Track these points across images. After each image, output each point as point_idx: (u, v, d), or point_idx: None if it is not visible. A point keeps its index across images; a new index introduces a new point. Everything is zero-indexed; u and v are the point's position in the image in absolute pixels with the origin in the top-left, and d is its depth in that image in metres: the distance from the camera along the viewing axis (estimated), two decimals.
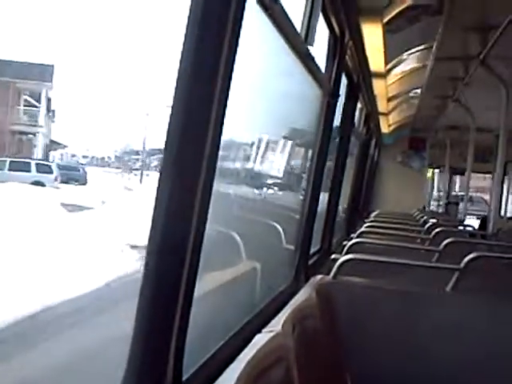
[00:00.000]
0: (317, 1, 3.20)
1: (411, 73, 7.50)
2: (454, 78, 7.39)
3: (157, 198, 1.56)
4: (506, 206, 14.63)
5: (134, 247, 15.29)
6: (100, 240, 15.53)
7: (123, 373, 1.58)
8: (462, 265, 3.95)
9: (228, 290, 2.67)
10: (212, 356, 2.01)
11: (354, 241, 5.02)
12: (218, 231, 2.39)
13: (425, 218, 8.60)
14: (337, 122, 4.99)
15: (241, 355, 1.99)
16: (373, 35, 4.30)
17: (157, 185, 1.56)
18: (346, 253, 4.48)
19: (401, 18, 4.83)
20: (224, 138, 1.74)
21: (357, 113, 6.70)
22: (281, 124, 3.52)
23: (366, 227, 6.55)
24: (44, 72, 43.06)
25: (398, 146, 13.36)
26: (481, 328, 3.70)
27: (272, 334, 2.23)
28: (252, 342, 2.13)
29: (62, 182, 36.71)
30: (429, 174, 15.81)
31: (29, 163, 35.13)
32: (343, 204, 7.63)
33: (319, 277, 3.77)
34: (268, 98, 2.96)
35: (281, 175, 4.03)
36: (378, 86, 6.25)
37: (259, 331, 2.29)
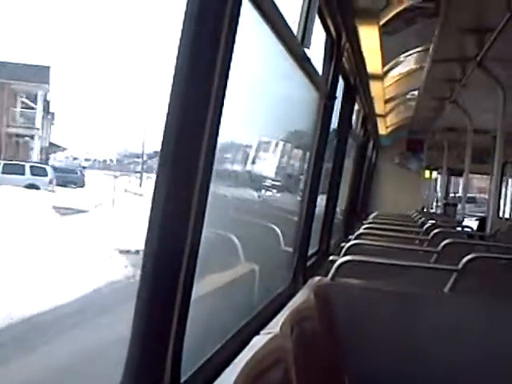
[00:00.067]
0: (313, 3, 3.21)
1: (408, 75, 7.51)
2: (451, 80, 7.40)
3: (153, 201, 1.56)
4: (505, 207, 14.64)
5: (124, 252, 15.08)
6: (88, 245, 15.24)
7: (121, 375, 1.58)
8: (460, 266, 3.96)
9: (226, 292, 2.67)
10: (210, 358, 2.02)
11: (352, 242, 5.02)
12: (216, 233, 2.39)
13: (423, 219, 8.61)
14: (334, 124, 5.00)
15: (239, 357, 1.99)
16: (369, 37, 4.31)
17: (153, 187, 1.57)
18: (344, 254, 4.48)
19: (397, 20, 4.84)
20: (222, 140, 1.75)
21: (354, 115, 6.71)
22: (278, 126, 3.53)
23: (364, 229, 6.55)
24: (40, 73, 42.85)
25: (395, 148, 13.37)
26: (479, 329, 3.71)
27: (270, 336, 2.23)
28: (250, 344, 2.13)
29: (59, 184, 36.48)
30: (432, 176, 15.81)
31: (23, 166, 34.69)
32: (341, 206, 7.63)
33: (317, 278, 3.78)
34: (265, 101, 2.96)
35: (279, 177, 4.04)
36: (375, 87, 6.26)
37: (257, 333, 2.29)
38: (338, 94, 4.15)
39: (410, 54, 6.77)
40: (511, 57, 5.76)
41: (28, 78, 42.11)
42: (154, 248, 1.57)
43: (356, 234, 6.00)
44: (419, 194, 14.14)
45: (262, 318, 2.61)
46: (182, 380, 1.70)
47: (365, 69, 5.17)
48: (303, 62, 3.08)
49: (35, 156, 42.83)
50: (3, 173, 32.64)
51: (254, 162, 3.14)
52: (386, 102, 8.07)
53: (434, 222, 7.98)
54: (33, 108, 44.88)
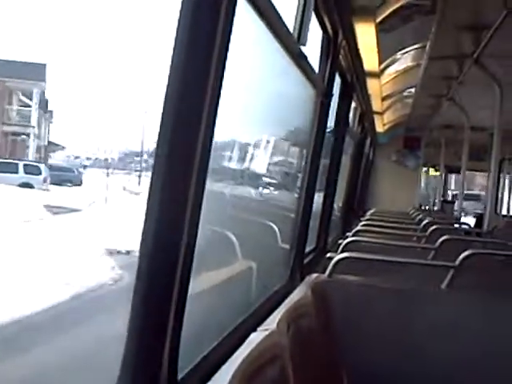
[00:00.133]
0: (309, 0, 3.21)
1: (405, 72, 7.52)
2: (448, 77, 7.41)
3: (149, 198, 1.57)
4: (502, 203, 14.65)
5: (114, 253, 14.48)
6: (75, 245, 14.78)
7: (118, 372, 1.59)
8: (458, 262, 3.96)
9: (223, 290, 2.68)
10: (207, 355, 2.02)
11: (349, 239, 5.03)
12: (212, 231, 2.40)
13: (420, 216, 8.62)
14: (331, 121, 5.01)
15: (236, 354, 2.00)
16: (366, 35, 4.31)
17: (149, 185, 1.57)
18: (342, 251, 4.49)
19: (394, 17, 4.84)
20: (218, 137, 1.75)
21: (351, 112, 6.72)
22: (275, 124, 3.53)
23: (362, 226, 6.56)
24: (36, 71, 42.55)
25: (392, 145, 13.38)
26: (476, 325, 3.72)
27: (267, 333, 2.23)
28: (247, 341, 2.13)
29: (56, 183, 36.32)
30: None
31: (16, 164, 34.33)
32: (338, 203, 7.64)
33: (314, 275, 3.78)
34: (261, 99, 2.97)
35: (276, 175, 4.04)
36: (372, 85, 6.26)
37: (254, 330, 2.30)
38: (334, 92, 4.15)
39: (407, 52, 6.77)
40: (508, 54, 5.77)
41: (24, 76, 41.74)
42: (150, 245, 1.57)
43: (353, 231, 6.01)
44: (417, 191, 14.14)
45: (259, 315, 2.62)
46: (179, 377, 1.71)
47: (361, 66, 5.17)
48: (299, 60, 3.08)
49: (31, 154, 42.51)
50: None
51: (250, 160, 3.15)
52: (383, 99, 8.07)
53: (431, 218, 7.99)
54: (29, 106, 44.57)
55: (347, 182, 8.37)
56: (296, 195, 3.99)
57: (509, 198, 15.38)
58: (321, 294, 3.50)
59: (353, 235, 5.65)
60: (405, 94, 9.12)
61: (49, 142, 52.88)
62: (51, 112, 54.69)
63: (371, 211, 9.60)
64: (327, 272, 3.88)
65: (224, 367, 1.90)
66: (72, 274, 11.81)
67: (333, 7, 3.56)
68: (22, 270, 11.66)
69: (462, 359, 3.65)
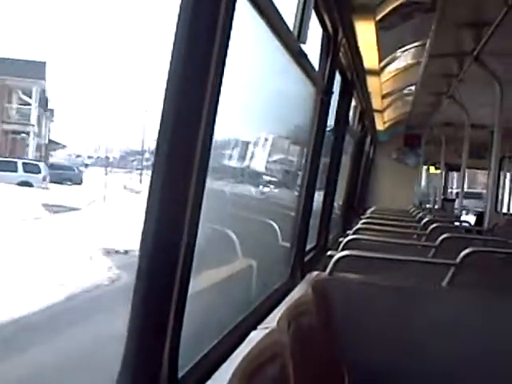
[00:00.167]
0: None
1: (405, 70, 7.51)
2: (448, 75, 7.40)
3: (149, 198, 1.57)
4: (502, 201, 14.65)
5: (112, 252, 14.24)
6: (74, 245, 14.50)
7: (118, 370, 1.59)
8: (458, 260, 3.96)
9: (224, 288, 2.68)
10: (207, 353, 2.02)
11: (349, 237, 5.03)
12: (213, 229, 2.40)
13: (421, 214, 8.62)
14: (331, 119, 5.00)
15: (236, 352, 2.00)
16: (366, 32, 4.31)
17: (149, 184, 1.57)
18: (342, 249, 4.49)
19: (394, 15, 4.84)
20: (218, 135, 1.75)
21: (351, 110, 6.71)
22: (275, 122, 3.53)
23: (362, 224, 6.56)
24: (35, 69, 42.26)
25: (393, 143, 13.37)
26: (476, 323, 3.72)
27: (267, 331, 2.23)
28: (247, 339, 2.13)
29: (56, 182, 36.21)
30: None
31: (15, 163, 33.97)
32: (339, 201, 7.64)
33: (315, 273, 3.78)
34: (262, 97, 2.97)
35: (276, 173, 4.04)
36: (372, 83, 6.25)
37: (255, 328, 2.30)
38: (334, 90, 4.15)
39: (407, 49, 6.77)
40: (508, 51, 5.76)
41: (23, 74, 41.46)
42: (151, 243, 1.57)
43: (354, 229, 6.01)
44: (417, 189, 14.14)
45: (259, 313, 2.62)
46: (180, 375, 1.71)
47: (361, 64, 5.17)
48: (300, 58, 3.08)
49: (30, 153, 42.30)
50: None
51: (251, 158, 3.15)
52: (383, 97, 8.07)
53: (431, 216, 7.99)
54: (29, 104, 44.36)
55: (347, 180, 8.37)
56: (296, 193, 3.99)
57: (509, 196, 15.36)
58: (321, 292, 3.50)
59: (353, 233, 5.65)
60: (405, 91, 9.12)
61: (49, 141, 52.83)
62: (52, 110, 54.62)
63: (371, 209, 9.61)
64: (328, 270, 3.88)
65: (224, 365, 1.90)
66: (68, 274, 11.59)
67: (333, 5, 3.56)
68: (16, 270, 11.44)
69: (463, 357, 3.65)
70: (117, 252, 14.45)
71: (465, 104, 8.59)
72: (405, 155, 13.66)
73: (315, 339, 2.94)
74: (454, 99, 8.42)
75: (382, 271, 4.19)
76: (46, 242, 14.46)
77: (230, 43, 1.68)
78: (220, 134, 1.79)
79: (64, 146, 60.35)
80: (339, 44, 3.97)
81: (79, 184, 39.39)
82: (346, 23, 3.92)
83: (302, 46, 3.11)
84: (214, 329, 2.27)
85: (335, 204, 6.09)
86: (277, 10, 2.37)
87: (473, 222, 11.67)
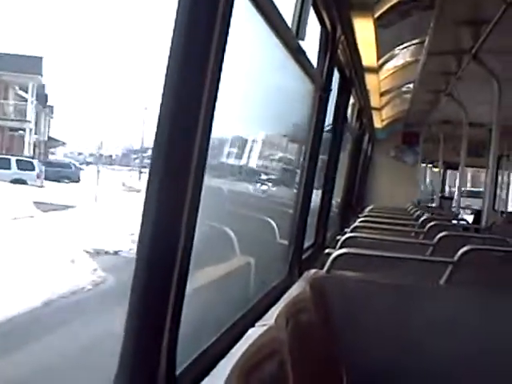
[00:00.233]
0: None
1: (403, 67, 7.51)
2: (447, 73, 7.40)
3: (147, 193, 1.56)
4: (500, 199, 14.66)
5: (101, 253, 13.76)
6: (61, 245, 13.82)
7: (116, 368, 1.58)
8: (456, 258, 3.96)
9: (222, 285, 2.67)
10: (205, 350, 2.02)
11: (347, 235, 5.03)
12: (211, 226, 2.39)
13: (418, 212, 8.62)
14: (330, 117, 5.00)
15: (234, 349, 2.00)
16: (364, 30, 4.30)
17: (147, 181, 1.57)
18: (340, 247, 4.49)
19: (392, 12, 4.84)
20: (216, 133, 1.75)
21: (350, 108, 6.71)
22: (273, 119, 3.52)
23: (360, 222, 6.57)
24: (32, 64, 41.78)
25: (391, 141, 13.37)
26: (474, 321, 3.72)
27: (265, 328, 2.23)
28: (245, 336, 2.13)
29: (54, 179, 36.04)
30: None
31: (8, 160, 33.45)
32: (337, 199, 7.64)
33: (313, 271, 3.78)
34: (260, 94, 2.96)
35: (274, 170, 4.03)
36: (370, 80, 6.25)
37: (253, 325, 2.30)
38: (333, 87, 4.15)
39: (406, 47, 6.77)
40: (506, 49, 5.76)
41: (19, 69, 40.94)
42: (148, 240, 1.57)
43: (352, 227, 6.01)
44: (418, 187, 14.14)
45: (257, 310, 2.62)
46: (178, 372, 1.70)
47: (360, 61, 5.16)
48: (298, 55, 3.08)
49: (26, 150, 41.98)
50: None
51: (248, 155, 3.14)
52: (382, 94, 8.06)
53: (429, 215, 7.99)
54: (26, 100, 43.96)
55: (345, 177, 8.37)
56: (294, 191, 3.99)
57: (507, 194, 15.38)
58: (319, 289, 3.50)
59: (351, 231, 5.65)
60: (403, 89, 9.12)
61: (49, 138, 52.72)
62: (51, 107, 54.42)
63: (369, 207, 9.61)
64: (325, 268, 3.88)
65: (222, 362, 1.89)
66: (46, 278, 10.86)
67: (331, 2, 3.55)
68: None
69: (460, 355, 3.65)
70: (106, 253, 14.03)
71: (463, 102, 8.59)
72: (403, 153, 13.66)
73: (313, 336, 2.94)
74: (452, 97, 8.42)
75: (380, 269, 4.19)
76: (29, 243, 13.86)
77: (228, 40, 1.68)
78: (218, 131, 1.79)
79: (64, 144, 60.34)
80: (338, 41, 3.97)
81: (77, 182, 39.33)
82: (344, 20, 3.92)
83: (301, 42, 3.11)
84: (212, 326, 2.27)
85: (333, 202, 6.09)
86: (275, 7, 2.36)
87: (467, 219, 11.66)
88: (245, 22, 2.10)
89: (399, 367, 3.67)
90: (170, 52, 1.55)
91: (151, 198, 1.57)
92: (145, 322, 1.60)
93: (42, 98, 47.64)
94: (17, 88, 44.10)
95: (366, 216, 7.65)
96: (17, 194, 24.20)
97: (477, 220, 11.50)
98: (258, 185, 3.75)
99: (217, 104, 1.69)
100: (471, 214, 15.52)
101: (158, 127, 1.56)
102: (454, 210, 11.23)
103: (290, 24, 2.96)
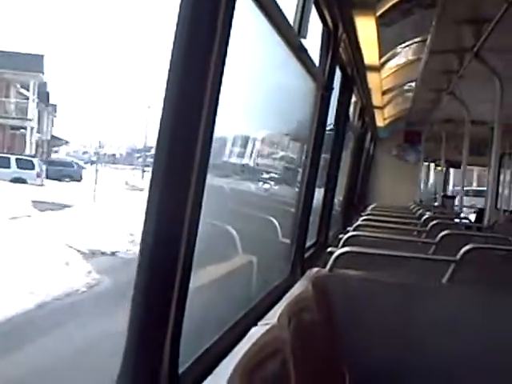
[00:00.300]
0: None
1: (405, 66, 7.51)
2: (449, 71, 7.40)
3: (150, 193, 1.56)
4: (502, 198, 14.65)
5: (97, 254, 13.46)
6: (56, 246, 13.49)
7: (119, 366, 1.58)
8: (458, 257, 3.96)
9: (224, 284, 2.67)
10: (208, 349, 2.02)
11: (350, 234, 5.03)
12: (213, 225, 2.39)
13: (421, 210, 8.61)
14: (332, 115, 5.00)
15: (236, 348, 1.99)
16: (366, 28, 4.30)
17: (150, 180, 1.57)
18: (342, 246, 4.49)
19: (394, 11, 4.83)
20: (218, 132, 1.74)
21: (352, 107, 6.70)
22: (275, 118, 3.52)
23: (362, 220, 6.56)
24: (33, 62, 41.56)
25: (393, 140, 13.37)
26: (476, 320, 3.72)
27: (268, 327, 2.23)
28: (248, 335, 2.13)
29: (56, 178, 35.94)
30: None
31: (8, 158, 33.21)
32: (339, 197, 7.63)
33: (315, 270, 3.78)
34: (262, 93, 2.96)
35: (276, 169, 4.03)
36: (372, 79, 6.25)
37: (255, 324, 2.30)
38: (335, 86, 4.14)
39: (407, 46, 6.76)
40: (508, 47, 5.76)
41: (21, 67, 40.72)
42: (151, 239, 1.56)
43: (354, 225, 6.01)
44: (420, 186, 14.14)
45: (259, 309, 2.61)
46: (180, 371, 1.70)
47: (362, 60, 5.16)
48: (300, 53, 3.07)
49: (27, 148, 41.77)
50: None
51: (251, 154, 3.14)
52: (384, 93, 8.06)
53: (431, 213, 7.99)
54: (28, 98, 43.76)
55: (348, 176, 8.36)
56: (296, 189, 3.98)
57: (509, 193, 15.36)
58: (322, 288, 3.49)
59: (353, 230, 5.65)
60: (405, 88, 9.11)
61: (52, 137, 52.67)
62: (54, 106, 54.32)
63: (372, 206, 9.61)
64: (328, 266, 3.88)
65: (225, 361, 1.89)
66: (40, 280, 10.58)
67: (333, 0, 3.55)
68: None
69: (463, 353, 3.65)
70: (103, 253, 13.77)
71: (465, 100, 8.58)
72: (405, 152, 13.65)
73: (315, 335, 2.94)
74: (454, 95, 8.42)
75: (382, 268, 4.19)
76: (24, 243, 13.54)
77: (231, 38, 1.68)
78: (220, 129, 1.79)
79: (67, 142, 60.40)
80: (339, 39, 3.96)
81: (78, 181, 39.31)
82: (346, 19, 3.91)
83: (303, 41, 3.10)
84: (214, 325, 2.26)
85: (335, 200, 6.08)
86: (277, 5, 2.36)
87: (469, 218, 11.65)
88: (247, 20, 2.10)
89: (402, 366, 3.67)
90: (173, 51, 1.55)
91: (154, 197, 1.57)
92: (147, 321, 1.60)
93: (43, 96, 47.51)
94: (18, 86, 43.99)
95: (368, 214, 7.64)
96: (15, 192, 24.02)
97: (479, 219, 11.49)
98: (261, 183, 3.75)
99: (219, 103, 1.69)
100: (474, 212, 15.50)
101: (160, 126, 1.56)
102: (456, 208, 11.23)
103: (291, 22, 2.96)
